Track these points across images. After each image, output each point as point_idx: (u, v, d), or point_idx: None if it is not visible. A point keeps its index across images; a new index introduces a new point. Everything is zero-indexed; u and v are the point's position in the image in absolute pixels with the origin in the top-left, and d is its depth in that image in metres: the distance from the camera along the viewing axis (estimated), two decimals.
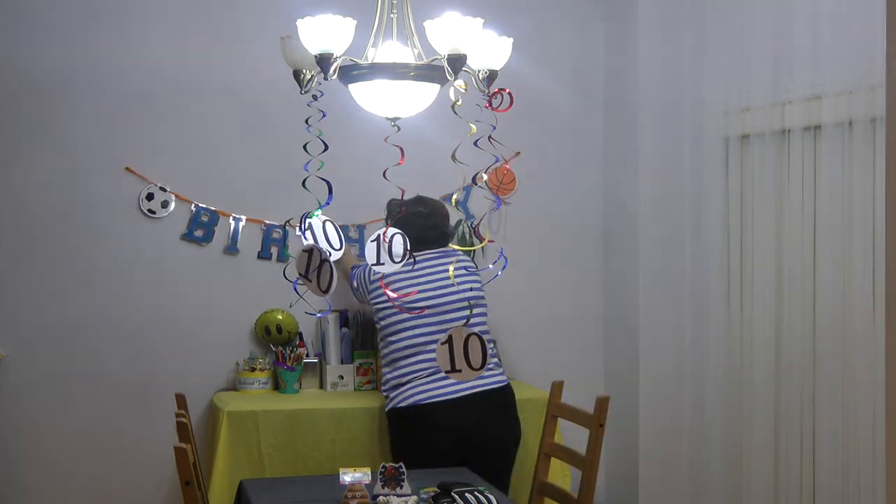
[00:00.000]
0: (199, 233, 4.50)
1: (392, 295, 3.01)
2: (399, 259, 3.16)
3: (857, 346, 3.64)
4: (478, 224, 4.63)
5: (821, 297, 3.83)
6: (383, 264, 3.17)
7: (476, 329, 3.67)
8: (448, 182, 4.53)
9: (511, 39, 3.02)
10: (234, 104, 4.53)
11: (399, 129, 3.00)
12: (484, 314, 4.10)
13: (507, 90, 2.92)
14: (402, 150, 2.90)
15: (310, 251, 3.11)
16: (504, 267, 3.30)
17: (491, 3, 4.17)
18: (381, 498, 3.28)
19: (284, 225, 4.51)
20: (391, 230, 3.15)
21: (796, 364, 3.93)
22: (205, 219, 4.50)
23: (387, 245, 3.16)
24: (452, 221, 4.72)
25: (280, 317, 4.48)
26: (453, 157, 2.83)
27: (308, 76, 3.00)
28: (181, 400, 3.88)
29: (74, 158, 4.38)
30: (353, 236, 4.60)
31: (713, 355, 4.36)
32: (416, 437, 3.94)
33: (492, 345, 4.16)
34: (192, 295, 4.52)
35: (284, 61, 3.02)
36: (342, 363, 4.47)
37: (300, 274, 3.13)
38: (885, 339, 2.10)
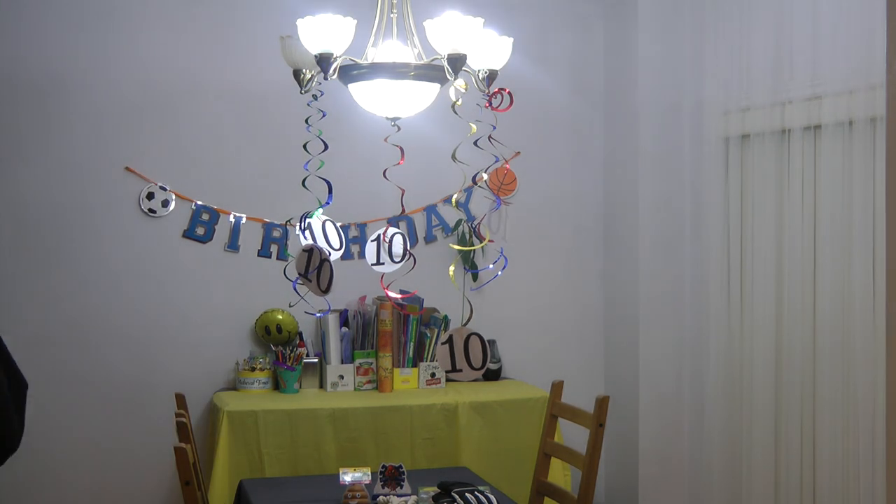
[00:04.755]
0: (199, 231, 4.50)
1: (393, 295, 3.01)
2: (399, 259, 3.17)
3: (857, 346, 3.64)
4: (478, 224, 4.63)
5: (821, 296, 3.83)
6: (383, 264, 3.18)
7: None
8: (449, 182, 4.53)
9: (511, 39, 3.02)
10: (234, 103, 4.53)
11: (399, 128, 3.00)
12: None
13: (507, 90, 2.93)
14: (402, 149, 2.91)
15: (310, 251, 3.12)
16: (504, 267, 3.30)
17: (491, 3, 4.17)
18: (381, 498, 3.28)
19: (285, 224, 4.51)
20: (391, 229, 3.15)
21: (796, 364, 3.93)
22: (205, 217, 4.50)
23: (387, 245, 3.17)
24: (452, 222, 4.73)
25: (280, 316, 4.48)
26: (453, 156, 2.83)
27: (308, 76, 3.01)
28: (181, 400, 3.87)
29: (74, 158, 4.38)
30: (354, 235, 4.60)
31: (713, 355, 4.36)
32: None
33: None
34: (193, 293, 4.51)
35: (284, 61, 3.03)
36: (342, 363, 4.47)
37: (300, 274, 3.14)
38: (885, 339, 2.10)
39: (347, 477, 3.36)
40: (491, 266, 4.53)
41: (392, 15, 3.03)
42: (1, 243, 4.33)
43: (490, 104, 2.93)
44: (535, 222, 4.89)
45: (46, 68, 4.34)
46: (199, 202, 4.50)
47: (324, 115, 3.06)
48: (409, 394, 4.43)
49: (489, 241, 4.63)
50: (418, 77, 2.90)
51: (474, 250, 4.62)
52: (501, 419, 4.33)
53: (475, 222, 4.66)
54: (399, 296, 2.99)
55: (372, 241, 3.18)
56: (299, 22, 2.81)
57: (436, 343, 4.53)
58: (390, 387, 4.46)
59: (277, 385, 4.43)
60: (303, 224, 3.18)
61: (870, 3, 3.49)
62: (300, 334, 4.52)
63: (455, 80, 2.82)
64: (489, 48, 2.95)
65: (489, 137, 2.91)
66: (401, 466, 3.36)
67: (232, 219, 4.53)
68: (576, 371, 4.82)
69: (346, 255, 4.45)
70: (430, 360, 4.55)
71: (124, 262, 4.45)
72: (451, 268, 3.02)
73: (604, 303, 4.98)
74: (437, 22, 2.72)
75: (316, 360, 4.49)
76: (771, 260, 4.07)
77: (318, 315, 4.26)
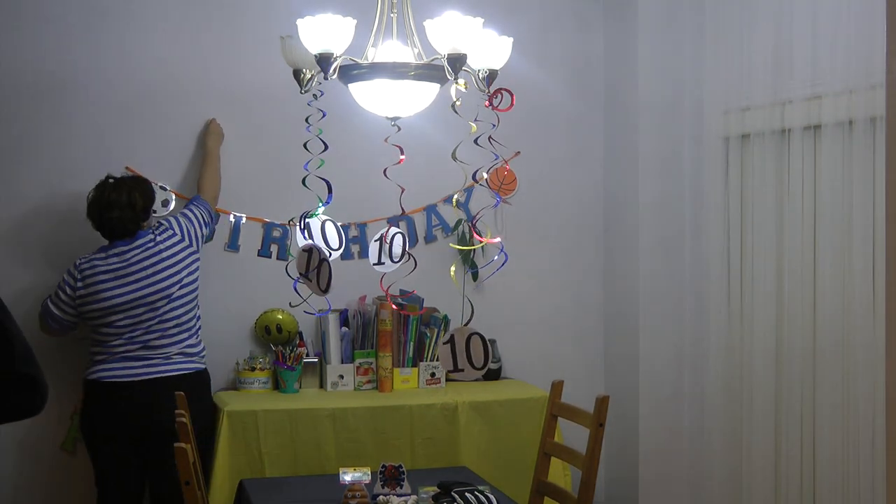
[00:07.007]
0: None
1: (393, 296, 3.02)
2: (398, 259, 3.17)
3: (857, 346, 3.64)
4: (475, 220, 4.62)
5: (821, 296, 3.83)
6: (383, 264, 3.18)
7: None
8: (449, 182, 4.53)
9: (511, 39, 3.03)
10: (234, 103, 4.53)
11: (399, 128, 3.01)
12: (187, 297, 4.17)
13: (508, 90, 2.93)
14: (401, 149, 2.91)
15: (309, 251, 3.12)
16: (504, 263, 3.30)
17: (491, 3, 4.17)
18: (381, 498, 3.28)
19: (288, 223, 4.50)
20: (392, 229, 3.16)
21: (796, 364, 3.93)
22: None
23: (387, 245, 3.17)
24: (452, 221, 4.72)
25: (280, 316, 4.48)
26: (454, 155, 2.83)
27: (308, 76, 3.01)
28: (181, 400, 3.87)
29: (74, 158, 4.38)
30: (354, 235, 4.60)
31: (713, 355, 4.36)
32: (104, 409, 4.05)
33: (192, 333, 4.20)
34: None
35: (284, 61, 3.03)
36: (342, 363, 4.47)
37: (301, 273, 3.14)
38: (885, 339, 2.10)
39: (347, 477, 3.36)
40: (495, 258, 4.52)
41: (392, 15, 3.03)
42: (1, 243, 4.33)
43: (490, 104, 2.93)
44: (536, 222, 4.88)
45: (46, 68, 4.33)
46: None
47: (324, 115, 3.06)
48: (409, 394, 4.43)
49: (493, 240, 4.62)
50: (418, 77, 2.91)
51: (474, 249, 4.62)
52: (501, 419, 4.33)
53: (473, 219, 4.65)
54: (399, 295, 3.00)
55: (375, 241, 3.19)
56: (299, 22, 2.81)
57: (436, 343, 4.53)
58: (390, 387, 4.46)
59: (277, 385, 4.43)
60: (302, 223, 3.18)
61: (870, 3, 3.49)
62: (300, 334, 4.52)
63: (455, 79, 2.83)
64: (489, 48, 2.96)
65: (489, 137, 2.91)
66: (401, 466, 3.36)
67: (232, 219, 4.54)
68: (576, 371, 4.82)
69: (346, 255, 4.45)
70: (430, 360, 4.55)
71: None
72: (452, 268, 3.02)
73: (604, 303, 4.98)
74: (437, 22, 2.73)
75: (316, 360, 4.49)
76: (771, 260, 4.07)
77: (318, 314, 4.26)
